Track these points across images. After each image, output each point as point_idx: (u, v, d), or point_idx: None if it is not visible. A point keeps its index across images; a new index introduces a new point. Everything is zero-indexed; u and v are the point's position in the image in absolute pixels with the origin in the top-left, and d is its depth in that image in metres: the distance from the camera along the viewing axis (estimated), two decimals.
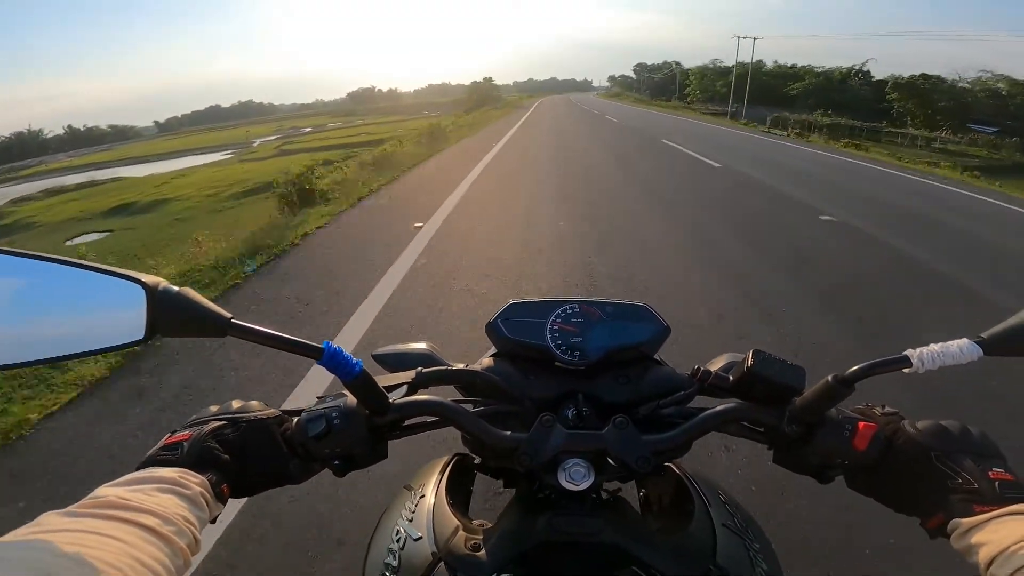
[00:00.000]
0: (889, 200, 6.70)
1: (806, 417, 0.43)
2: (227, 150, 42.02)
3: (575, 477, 0.44)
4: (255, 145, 40.67)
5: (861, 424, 0.42)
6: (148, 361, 2.48)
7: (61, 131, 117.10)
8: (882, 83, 38.55)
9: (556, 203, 5.75)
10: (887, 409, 0.45)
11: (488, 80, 47.08)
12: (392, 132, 18.58)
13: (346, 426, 0.44)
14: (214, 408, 0.45)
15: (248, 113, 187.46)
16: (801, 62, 47.16)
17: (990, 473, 0.37)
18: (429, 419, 0.49)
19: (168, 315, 0.38)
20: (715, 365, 0.54)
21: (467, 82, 51.02)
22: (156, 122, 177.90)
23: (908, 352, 0.40)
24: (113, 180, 28.05)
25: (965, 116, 29.09)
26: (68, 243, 13.20)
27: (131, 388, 2.29)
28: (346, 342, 2.57)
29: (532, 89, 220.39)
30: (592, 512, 0.47)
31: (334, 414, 0.44)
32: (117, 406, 2.17)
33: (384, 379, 0.50)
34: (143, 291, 0.37)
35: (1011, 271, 3.97)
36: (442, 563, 0.46)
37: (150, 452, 0.41)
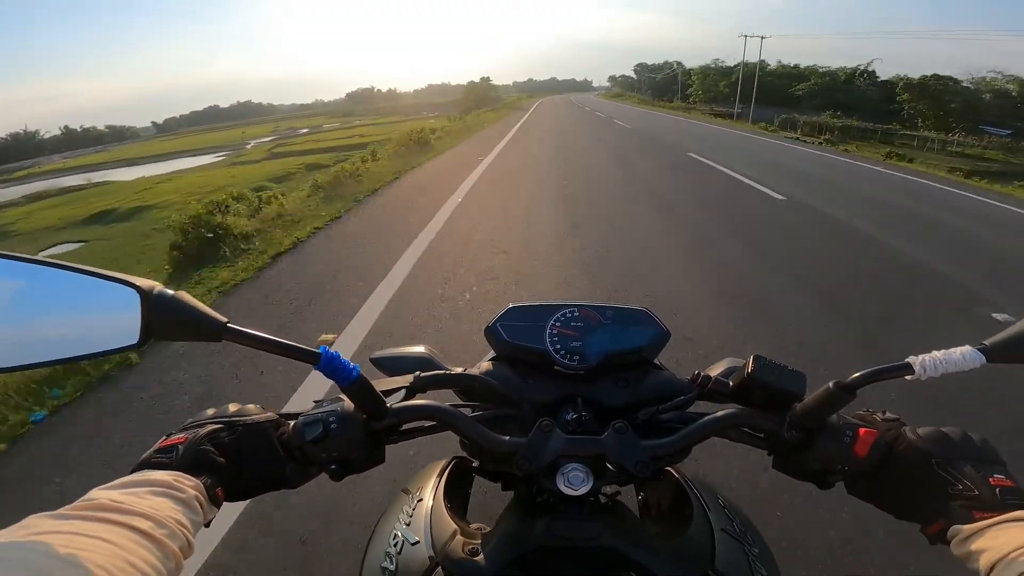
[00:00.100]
0: None
1: (807, 423, 0.43)
2: (221, 152, 41.81)
3: (574, 482, 0.44)
4: (249, 147, 40.21)
5: (862, 430, 0.42)
6: None
7: (58, 132, 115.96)
8: (886, 83, 37.71)
9: (569, 285, 3.33)
10: (888, 415, 0.45)
11: (485, 80, 45.56)
12: (386, 134, 17.76)
13: (343, 430, 0.44)
14: (210, 411, 0.45)
15: (247, 114, 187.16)
16: (801, 62, 46.51)
17: (991, 479, 0.37)
18: (427, 423, 0.49)
19: (163, 319, 0.38)
20: (715, 370, 0.54)
21: (466, 82, 49.47)
22: (154, 123, 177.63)
23: (910, 359, 0.40)
24: (99, 184, 27.59)
25: (977, 118, 28.19)
26: (40, 254, 12.32)
27: None
28: None
29: (532, 89, 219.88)
30: (591, 516, 0.47)
31: (331, 418, 0.45)
32: None
33: (381, 383, 0.50)
34: (137, 295, 0.38)
35: None
36: (440, 567, 0.46)
37: (145, 455, 0.40)
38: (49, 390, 2.24)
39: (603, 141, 13.22)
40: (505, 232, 4.62)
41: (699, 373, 0.50)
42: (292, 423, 0.46)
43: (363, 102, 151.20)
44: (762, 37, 34.73)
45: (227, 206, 5.18)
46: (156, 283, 0.39)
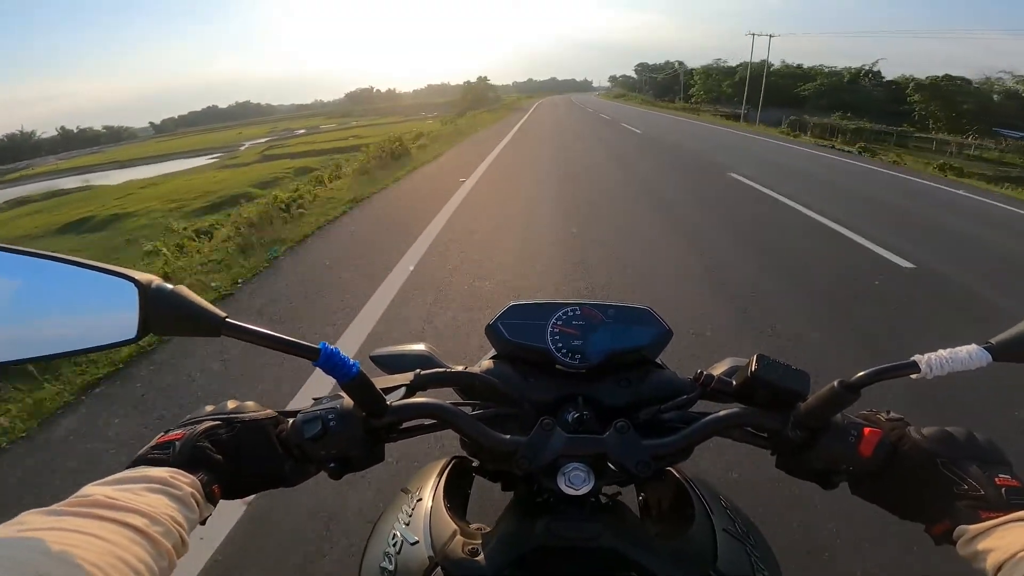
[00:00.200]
0: None
1: (811, 422, 0.43)
2: (215, 153, 41.75)
3: (575, 482, 0.44)
4: (244, 148, 39.58)
5: (866, 430, 0.42)
6: None
7: (55, 132, 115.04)
8: (891, 84, 36.83)
9: None
10: (892, 415, 0.45)
11: (483, 80, 44.24)
12: (382, 135, 16.92)
13: (342, 428, 0.44)
14: (209, 408, 0.45)
15: (246, 114, 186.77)
16: (803, 62, 45.68)
17: (997, 479, 0.37)
18: (427, 422, 0.49)
19: (161, 313, 0.38)
20: (718, 369, 0.54)
21: (463, 83, 48.09)
22: (152, 123, 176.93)
23: (916, 358, 0.40)
24: (84, 188, 27.10)
25: (991, 120, 27.28)
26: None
27: None
28: None
29: (532, 89, 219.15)
30: (591, 516, 0.47)
31: (330, 416, 0.45)
32: None
33: (381, 381, 0.50)
34: (136, 289, 0.37)
35: None
36: (439, 567, 0.46)
37: (141, 451, 0.41)
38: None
39: (615, 152, 10.76)
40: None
41: (701, 372, 0.50)
42: (291, 420, 0.46)
43: (362, 102, 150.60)
44: (770, 36, 33.72)
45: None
46: (155, 277, 0.38)
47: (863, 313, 3.11)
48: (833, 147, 15.82)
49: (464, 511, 0.61)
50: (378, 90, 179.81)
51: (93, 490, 0.33)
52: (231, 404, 0.46)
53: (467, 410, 0.50)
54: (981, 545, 0.34)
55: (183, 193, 17.71)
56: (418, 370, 0.52)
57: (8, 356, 0.37)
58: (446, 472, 0.60)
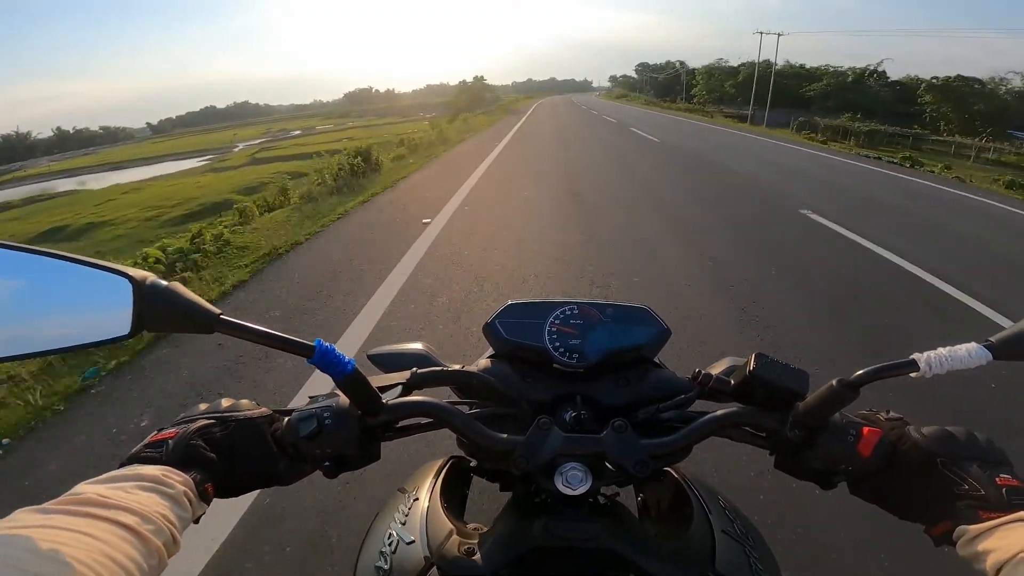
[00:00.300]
0: None
1: (809, 422, 0.43)
2: (207, 155, 41.69)
3: (572, 481, 0.44)
4: (236, 150, 38.90)
5: (866, 429, 0.42)
6: None
7: (51, 133, 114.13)
8: (896, 84, 35.91)
9: None
10: (891, 414, 0.45)
11: (479, 79, 42.90)
12: (377, 137, 16.05)
13: (338, 427, 0.44)
14: (203, 406, 0.46)
15: (244, 114, 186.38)
16: (804, 61, 44.64)
17: (997, 479, 0.37)
18: (423, 421, 0.50)
19: (155, 310, 0.38)
20: (716, 369, 0.54)
21: (458, 82, 46.62)
22: (149, 124, 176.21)
23: (915, 356, 0.40)
24: (67, 194, 26.92)
25: (1005, 122, 26.43)
26: None
27: None
28: None
29: (531, 89, 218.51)
30: (589, 517, 0.47)
31: (326, 414, 0.45)
32: None
33: (378, 379, 0.50)
34: (130, 285, 0.38)
35: None
36: (435, 567, 0.46)
37: (134, 449, 0.41)
38: None
39: (638, 175, 8.08)
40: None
41: (700, 371, 0.50)
42: (286, 419, 0.46)
43: (361, 103, 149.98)
44: (778, 34, 32.59)
45: None
46: (149, 274, 0.39)
47: None
48: (880, 159, 13.31)
49: (462, 511, 0.60)
50: (377, 90, 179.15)
51: (85, 488, 0.33)
52: (225, 402, 0.46)
53: (464, 409, 0.50)
54: (981, 546, 0.34)
55: (164, 199, 17.31)
56: (415, 369, 0.52)
57: (1, 352, 0.38)
58: (443, 472, 0.60)
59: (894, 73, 39.00)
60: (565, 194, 6.46)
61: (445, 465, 0.62)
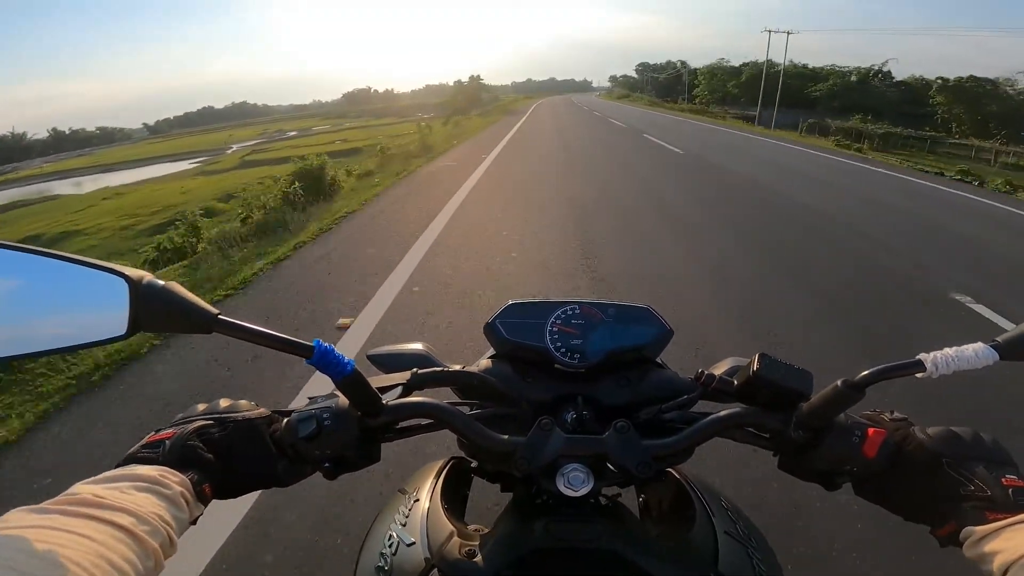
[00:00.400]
0: None
1: (814, 422, 0.43)
2: (199, 157, 41.62)
3: (574, 482, 0.44)
4: (229, 152, 38.23)
5: (870, 430, 0.42)
6: None
7: (46, 134, 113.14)
8: (901, 84, 35.03)
9: None
10: (896, 415, 0.45)
11: (476, 79, 41.49)
12: (371, 139, 15.13)
13: (337, 428, 0.44)
14: (201, 407, 0.46)
15: (242, 115, 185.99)
16: (805, 61, 43.65)
17: (1003, 480, 0.37)
18: (424, 421, 0.49)
19: (152, 310, 0.38)
20: (719, 369, 0.54)
21: (453, 82, 45.01)
22: (145, 124, 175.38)
23: (921, 356, 0.40)
24: (49, 199, 26.50)
25: (1019, 123, 25.58)
26: None
27: None
28: None
29: (530, 90, 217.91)
30: (590, 518, 0.47)
31: (325, 415, 0.45)
32: None
33: (378, 380, 0.50)
34: (126, 285, 0.37)
35: None
36: (435, 569, 0.46)
37: (131, 450, 0.41)
38: None
39: (667, 204, 6.05)
40: None
41: (702, 372, 0.50)
42: (285, 420, 0.46)
43: (359, 103, 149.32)
44: (788, 32, 31.66)
45: None
46: (146, 273, 0.39)
47: None
48: (942, 174, 11.25)
49: (462, 512, 0.60)
50: (375, 90, 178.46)
51: (81, 488, 0.33)
52: (224, 403, 0.46)
53: (465, 410, 0.50)
54: (988, 547, 0.34)
55: (144, 206, 17.18)
56: (415, 369, 0.52)
57: None
58: (444, 473, 0.60)
59: (897, 73, 38.24)
60: (574, 247, 4.26)
61: (446, 466, 0.61)
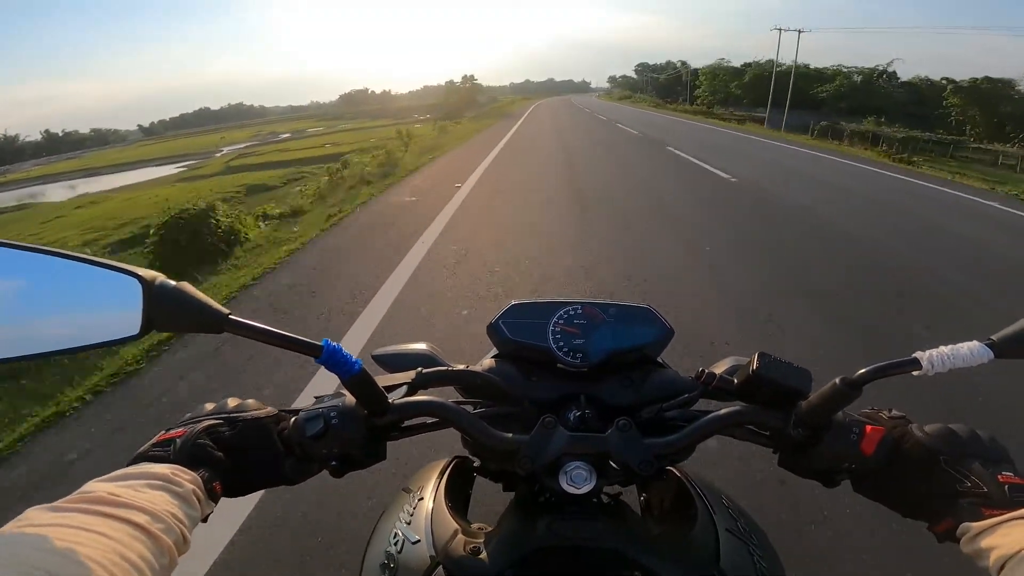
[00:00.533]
0: None
1: (813, 420, 0.44)
2: (186, 161, 41.40)
3: (577, 480, 0.45)
4: (219, 155, 37.48)
5: (868, 428, 0.43)
6: None
7: (39, 136, 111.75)
8: (907, 84, 34.05)
9: None
10: (894, 413, 0.46)
11: (469, 79, 39.83)
12: (364, 141, 14.07)
13: (344, 426, 0.45)
14: (209, 406, 0.47)
15: (238, 116, 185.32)
16: (807, 61, 42.63)
17: (1000, 477, 0.38)
18: (429, 420, 0.50)
19: (164, 310, 0.39)
20: (719, 368, 0.55)
21: (445, 83, 43.04)
22: (140, 126, 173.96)
23: (917, 354, 0.41)
24: (24, 207, 25.50)
25: None
26: None
27: None
28: None
29: (529, 91, 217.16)
30: (593, 516, 0.48)
31: (332, 414, 0.45)
32: None
33: (384, 379, 0.51)
34: (139, 285, 0.38)
35: None
36: (441, 566, 0.47)
37: (142, 448, 0.42)
38: None
39: (770, 310, 3.15)
40: None
41: (703, 371, 0.51)
42: (292, 419, 0.47)
43: (356, 104, 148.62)
44: (799, 31, 30.50)
45: None
46: (158, 274, 0.40)
47: None
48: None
49: (465, 511, 0.61)
50: (373, 91, 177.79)
51: (96, 486, 0.34)
52: (232, 402, 0.47)
53: (469, 409, 0.51)
54: (984, 543, 0.35)
55: (112, 218, 15.87)
56: (420, 368, 0.53)
57: (11, 352, 0.38)
58: (447, 471, 0.61)
59: (901, 73, 37.36)
60: None
61: (449, 465, 0.62)
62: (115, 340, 0.39)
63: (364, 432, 0.46)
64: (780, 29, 31.34)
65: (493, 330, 0.56)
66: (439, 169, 9.20)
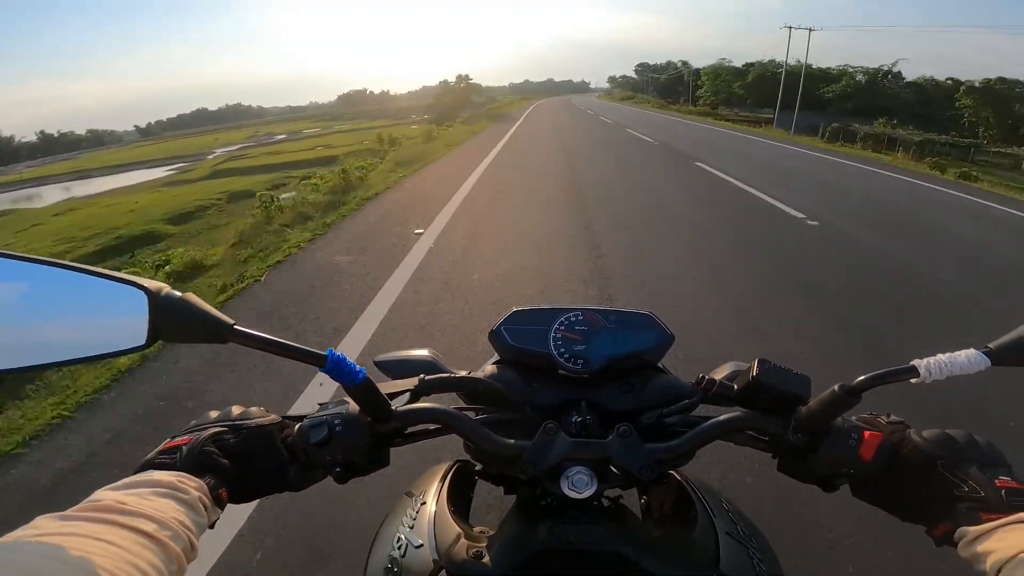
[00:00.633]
0: None
1: (812, 426, 0.45)
2: (177, 163, 41.51)
3: (578, 485, 0.46)
4: (211, 157, 37.26)
5: (867, 433, 0.44)
6: None
7: (34, 137, 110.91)
8: (912, 84, 33.29)
9: None
10: (892, 418, 0.47)
11: (464, 79, 38.31)
12: (356, 144, 13.25)
13: (348, 433, 0.46)
14: (214, 414, 0.47)
15: (236, 116, 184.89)
16: (809, 61, 41.64)
17: (997, 481, 0.39)
18: (431, 426, 0.51)
19: (170, 320, 0.39)
20: (719, 374, 0.56)
21: (439, 82, 41.25)
22: (136, 127, 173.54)
23: (915, 362, 0.42)
24: (4, 213, 25.07)
25: None
26: None
27: None
28: None
29: (528, 91, 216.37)
30: (594, 520, 0.49)
31: (336, 421, 0.46)
32: None
33: (386, 386, 0.51)
34: (145, 296, 0.39)
35: None
36: (444, 570, 0.48)
37: (148, 456, 0.42)
38: None
39: None
40: None
41: (703, 376, 0.52)
42: (296, 426, 0.48)
43: (355, 104, 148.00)
44: (810, 29, 29.66)
45: None
46: (164, 285, 0.40)
47: None
48: None
49: (467, 514, 0.62)
50: (371, 92, 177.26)
51: (103, 495, 0.34)
52: (236, 410, 0.48)
53: (471, 415, 0.52)
54: (982, 547, 0.35)
55: (87, 227, 15.00)
56: (422, 375, 0.53)
57: (18, 362, 0.39)
58: (449, 476, 0.61)
59: (905, 73, 36.68)
60: None
61: (451, 469, 0.63)
62: (122, 350, 0.40)
63: (368, 439, 0.46)
64: (790, 27, 30.37)
65: (495, 336, 0.56)
66: (405, 195, 6.88)
